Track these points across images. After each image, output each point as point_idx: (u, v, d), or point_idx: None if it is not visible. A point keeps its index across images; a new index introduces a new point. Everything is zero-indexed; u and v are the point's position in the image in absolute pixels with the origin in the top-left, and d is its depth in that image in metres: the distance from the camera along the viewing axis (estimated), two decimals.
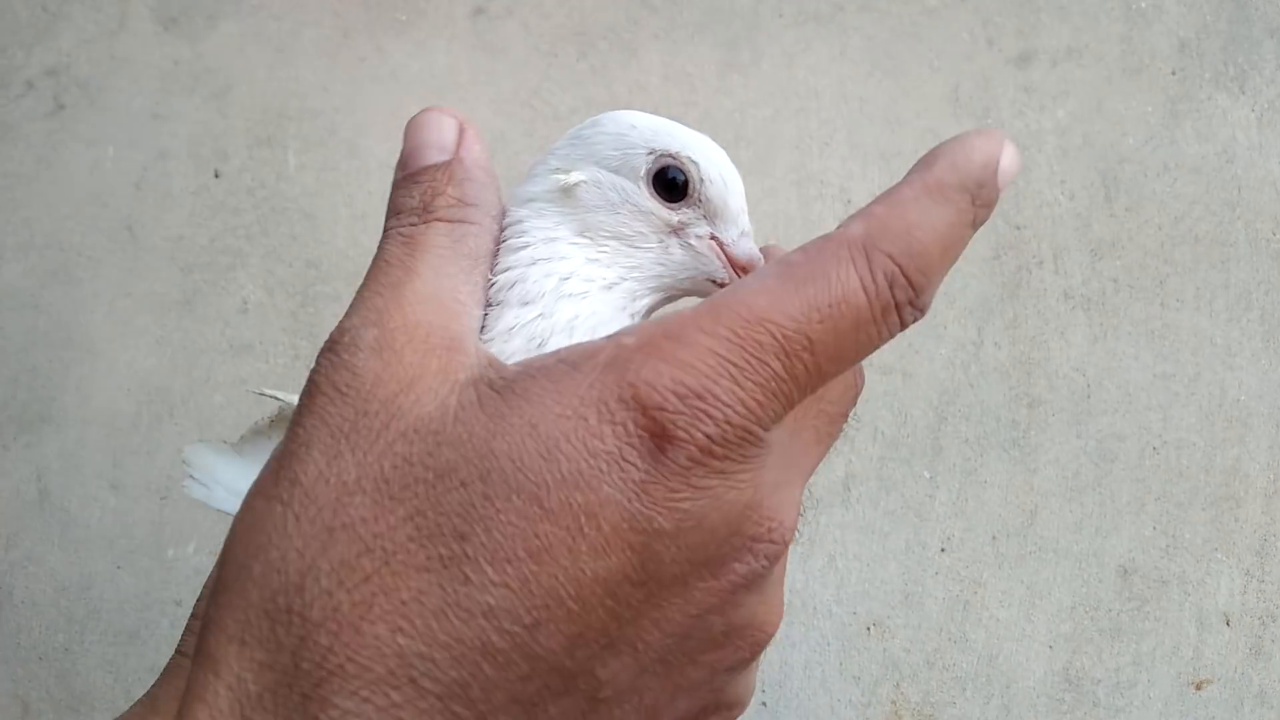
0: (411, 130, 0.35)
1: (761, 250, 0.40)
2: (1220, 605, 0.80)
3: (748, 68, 0.83)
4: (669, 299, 0.40)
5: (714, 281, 0.39)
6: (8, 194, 0.85)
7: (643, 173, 0.38)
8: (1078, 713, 0.79)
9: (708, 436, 0.26)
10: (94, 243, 0.85)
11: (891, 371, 0.81)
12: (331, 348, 0.30)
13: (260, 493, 0.28)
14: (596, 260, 0.38)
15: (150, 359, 0.84)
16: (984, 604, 0.80)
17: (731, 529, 0.27)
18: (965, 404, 0.81)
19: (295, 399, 0.63)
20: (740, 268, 0.38)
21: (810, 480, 0.35)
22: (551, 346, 0.35)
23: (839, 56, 0.83)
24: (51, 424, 0.83)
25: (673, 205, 0.38)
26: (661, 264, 0.38)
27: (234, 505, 0.62)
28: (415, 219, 0.33)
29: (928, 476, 0.81)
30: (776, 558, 0.28)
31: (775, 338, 0.27)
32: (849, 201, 0.82)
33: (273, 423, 0.69)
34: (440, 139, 0.34)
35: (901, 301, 0.28)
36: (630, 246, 0.38)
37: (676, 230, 0.39)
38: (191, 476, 0.64)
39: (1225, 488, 0.80)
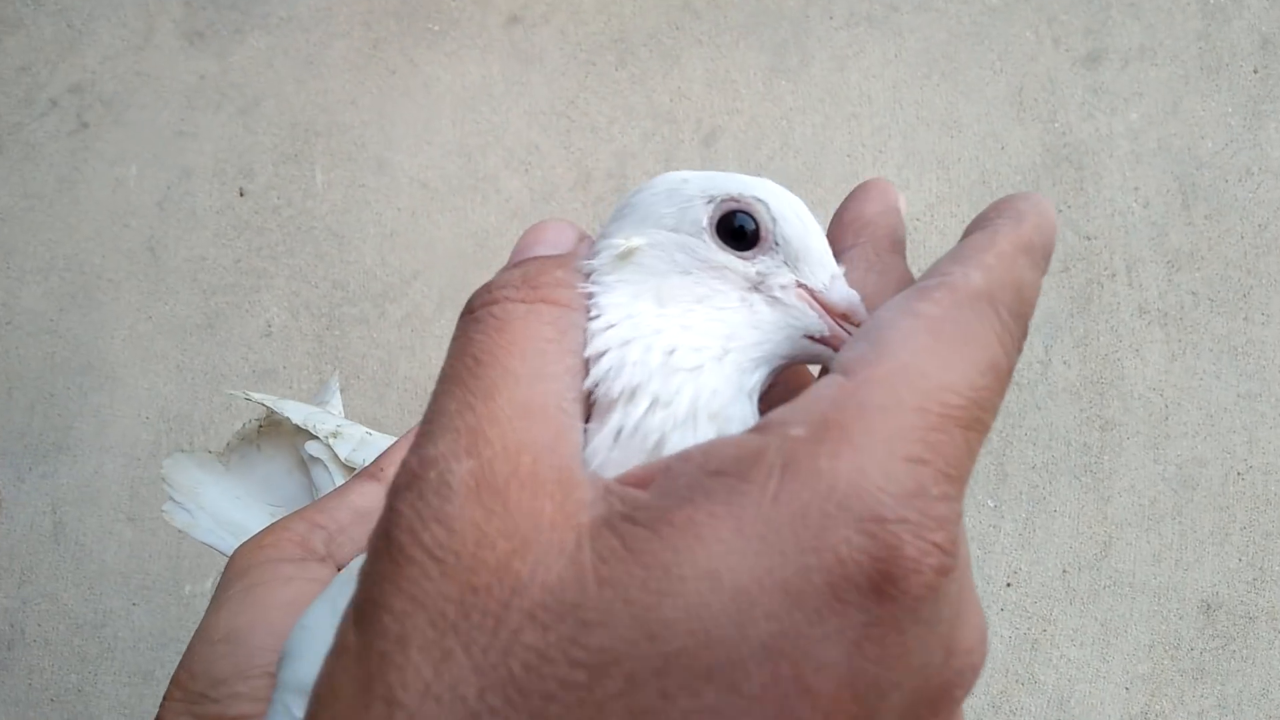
0: (525, 235, 0.30)
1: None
2: None
3: (796, 72, 0.78)
4: (774, 370, 0.34)
5: (812, 338, 0.33)
6: (29, 216, 0.82)
7: (705, 223, 0.33)
8: None
9: (939, 547, 0.20)
10: (115, 264, 0.82)
11: None
12: (412, 486, 0.22)
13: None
14: (690, 328, 0.32)
15: (170, 385, 0.80)
16: (1054, 643, 0.74)
17: (948, 653, 0.21)
18: (1032, 427, 0.75)
19: (285, 404, 0.59)
20: (840, 315, 0.32)
21: None
22: (672, 446, 0.29)
23: (893, 59, 0.78)
24: (68, 453, 0.80)
25: (746, 255, 0.33)
26: (755, 327, 0.32)
27: (220, 540, 0.56)
28: (514, 292, 0.27)
29: (992, 505, 0.75)
30: (979, 672, 0.23)
31: (958, 411, 0.22)
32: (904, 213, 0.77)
33: (261, 429, 0.64)
34: (557, 239, 0.30)
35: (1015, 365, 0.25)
36: (716, 309, 0.33)
37: (757, 285, 0.33)
38: (172, 498, 0.58)
39: None
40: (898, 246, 0.30)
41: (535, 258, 0.29)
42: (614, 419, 0.29)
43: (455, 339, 0.26)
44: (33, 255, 0.84)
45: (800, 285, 0.32)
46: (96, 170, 0.84)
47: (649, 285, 0.33)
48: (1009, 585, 0.76)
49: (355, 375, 0.80)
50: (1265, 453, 0.75)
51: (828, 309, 0.32)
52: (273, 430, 0.63)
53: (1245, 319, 0.76)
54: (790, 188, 0.70)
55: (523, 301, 0.27)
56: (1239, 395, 0.76)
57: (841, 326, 0.32)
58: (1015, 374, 0.78)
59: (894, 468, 0.20)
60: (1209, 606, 0.75)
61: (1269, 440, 0.75)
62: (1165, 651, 0.75)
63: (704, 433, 0.30)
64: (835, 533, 0.20)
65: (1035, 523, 0.76)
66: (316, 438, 0.57)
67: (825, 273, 0.33)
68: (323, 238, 0.82)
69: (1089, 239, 0.77)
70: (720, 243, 0.32)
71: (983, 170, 0.78)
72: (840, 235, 0.31)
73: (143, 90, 0.84)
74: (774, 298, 0.32)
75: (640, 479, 0.23)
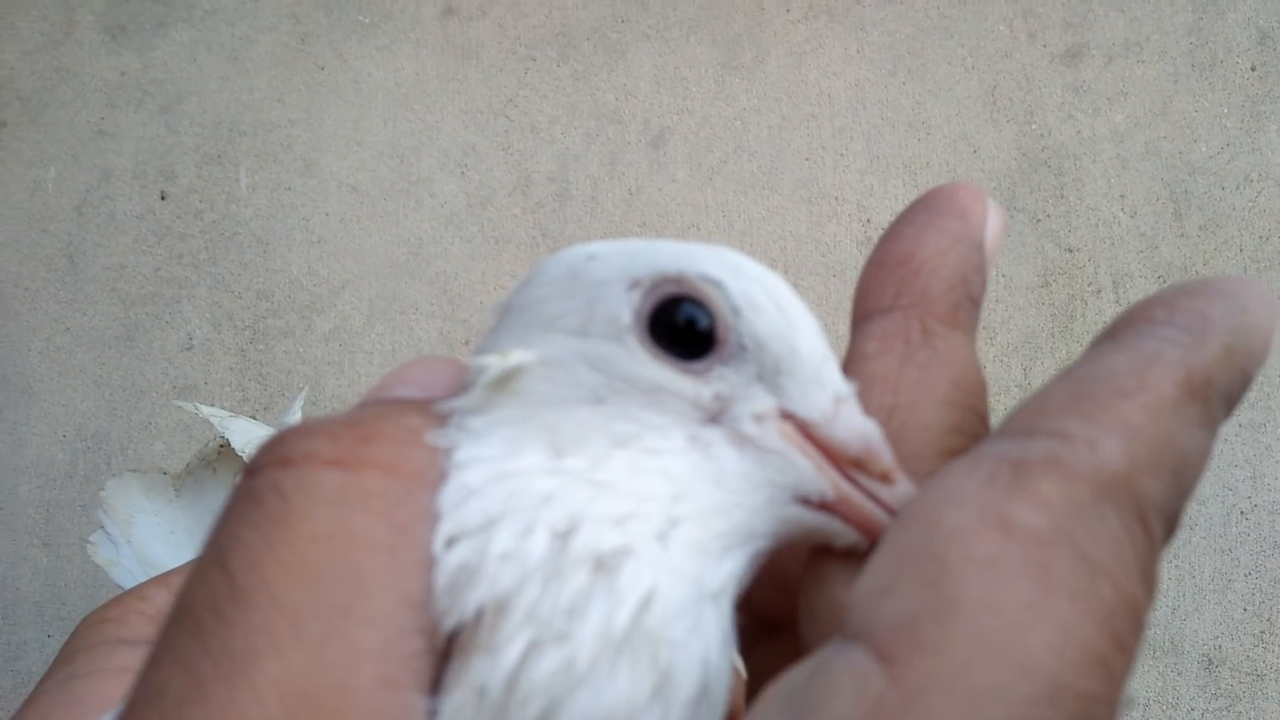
0: (385, 376, 0.21)
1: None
2: None
3: (751, 69, 0.71)
4: (754, 557, 0.21)
5: (808, 502, 0.20)
6: None
7: (629, 319, 0.20)
8: None
9: None
10: (32, 272, 0.76)
11: None
12: None
13: None
14: (607, 488, 0.20)
15: (88, 401, 0.74)
16: None
17: None
18: None
19: (233, 422, 0.53)
20: (852, 463, 0.20)
21: None
22: (574, 714, 0.18)
23: (855, 55, 0.71)
24: None
25: (696, 367, 0.20)
26: (716, 484, 0.20)
27: (135, 580, 0.50)
28: (327, 448, 0.17)
29: None
30: None
31: (1092, 697, 0.14)
32: (868, 221, 0.70)
33: (220, 453, 0.58)
34: (430, 380, 0.20)
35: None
36: (650, 455, 0.20)
37: (715, 415, 0.20)
38: (103, 527, 0.52)
39: None
40: (961, 314, 0.19)
41: (380, 399, 0.19)
42: (471, 671, 0.17)
43: (214, 528, 0.16)
44: None
45: (785, 415, 0.20)
46: (14, 172, 0.79)
47: (538, 424, 0.20)
48: None
49: (280, 393, 0.74)
50: (1271, 489, 0.68)
51: (831, 452, 0.20)
52: (230, 460, 0.58)
53: None
54: (745, 193, 0.61)
55: (339, 466, 0.16)
56: (1240, 425, 0.68)
57: (853, 482, 0.20)
58: (992, 401, 0.71)
59: None
60: (1211, 662, 0.68)
61: (1275, 475, 0.68)
62: (1162, 712, 0.68)
63: (636, 683, 0.18)
64: None
65: None
66: None
67: (824, 394, 0.20)
68: (247, 244, 0.76)
69: (1071, 251, 0.70)
70: (654, 348, 0.20)
71: (953, 175, 0.71)
72: (876, 287, 0.20)
73: (62, 87, 0.79)
74: (742, 434, 0.20)
75: None
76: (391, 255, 0.75)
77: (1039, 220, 0.70)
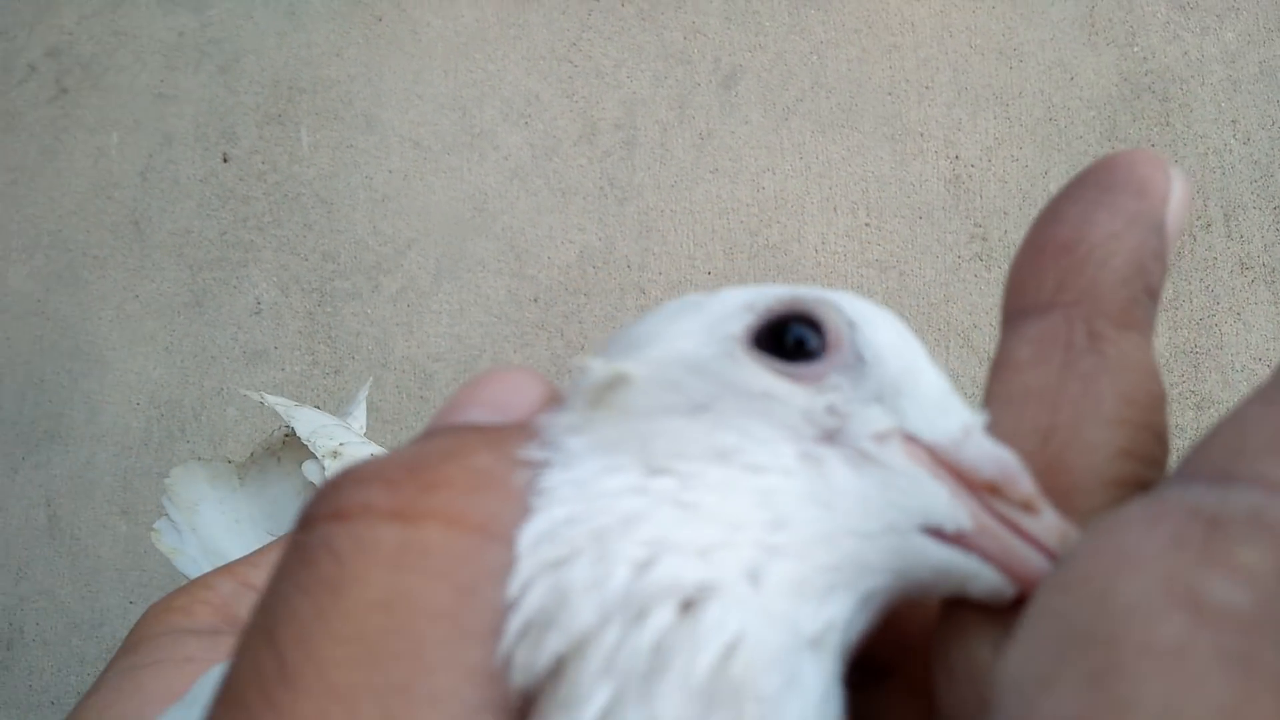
0: (458, 392, 0.18)
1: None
2: None
3: (827, 0, 0.67)
4: (871, 600, 0.18)
5: (939, 533, 0.17)
6: (12, 189, 0.77)
7: (740, 332, 0.18)
8: None
9: None
10: (99, 240, 0.76)
11: None
12: None
13: None
14: (696, 510, 0.17)
15: (159, 369, 0.74)
16: None
17: None
18: None
19: (298, 412, 0.52)
20: (985, 488, 0.17)
21: None
22: None
23: None
24: (60, 442, 0.75)
25: (808, 370, 0.18)
26: (826, 506, 0.17)
27: (200, 569, 0.49)
28: (384, 498, 0.16)
29: None
30: None
31: None
32: (956, 157, 0.66)
33: (286, 440, 0.57)
34: (508, 399, 0.18)
35: None
36: (752, 473, 0.17)
37: (831, 433, 0.18)
38: (167, 514, 0.51)
39: None
40: (1136, 312, 0.16)
41: (449, 428, 0.17)
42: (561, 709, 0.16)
43: (265, 589, 0.15)
44: (18, 233, 0.79)
45: (909, 439, 0.17)
46: (77, 139, 0.78)
47: (634, 439, 0.18)
48: None
49: (350, 355, 0.73)
50: None
51: (963, 474, 0.17)
52: (295, 449, 0.57)
53: None
54: (823, 132, 0.58)
55: (398, 520, 0.15)
56: None
57: (994, 514, 0.17)
58: None
59: None
60: None
61: None
62: None
63: None
64: None
65: None
66: (315, 457, 0.51)
67: (951, 420, 0.18)
68: (311, 205, 0.74)
69: None
70: (760, 354, 0.18)
71: (1049, 106, 0.66)
72: (1033, 280, 0.17)
73: (120, 51, 0.78)
74: (862, 451, 0.17)
75: None
76: (457, 212, 0.73)
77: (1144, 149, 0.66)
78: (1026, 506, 0.16)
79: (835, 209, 0.68)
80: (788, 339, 0.18)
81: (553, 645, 0.15)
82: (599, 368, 0.18)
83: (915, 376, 0.18)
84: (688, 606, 0.16)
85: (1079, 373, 0.15)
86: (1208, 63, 0.66)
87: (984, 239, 0.66)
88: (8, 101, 0.81)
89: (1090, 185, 0.16)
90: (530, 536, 0.16)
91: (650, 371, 0.18)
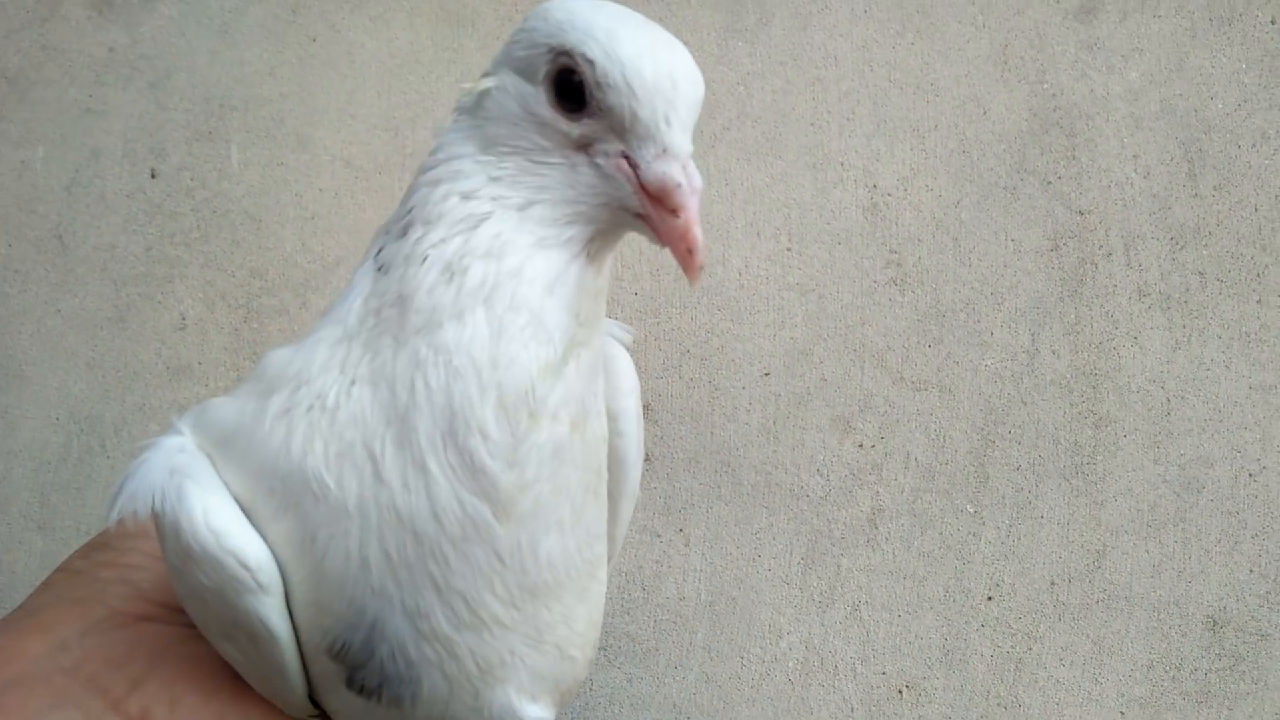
0: None
1: None
2: None
3: (754, 32, 0.70)
4: (606, 232, 0.34)
5: (628, 210, 0.33)
6: None
7: (542, 76, 0.33)
8: None
9: None
10: (22, 254, 0.75)
11: (927, 387, 0.68)
12: None
13: None
14: (499, 179, 0.33)
15: (80, 384, 0.74)
16: (1040, 662, 0.67)
17: None
18: (1016, 424, 0.68)
19: None
20: (652, 195, 0.32)
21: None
22: (474, 276, 0.33)
23: (862, 15, 0.70)
24: None
25: (574, 116, 0.32)
26: (571, 186, 0.33)
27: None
28: None
29: (971, 511, 0.67)
30: None
31: None
32: (874, 186, 0.69)
33: None
34: None
35: None
36: (533, 163, 0.33)
37: (584, 147, 0.33)
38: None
39: None
40: None
41: None
42: (410, 239, 0.34)
43: None
44: None
45: (625, 156, 0.32)
46: (2, 153, 0.78)
47: (483, 130, 0.34)
48: (990, 599, 0.68)
49: None
50: None
51: (642, 186, 0.31)
52: None
53: (1259, 301, 0.68)
54: (748, 160, 0.62)
55: None
56: (1251, 387, 0.67)
57: (657, 208, 0.31)
58: (997, 365, 0.70)
59: None
60: (1215, 623, 0.67)
61: None
62: (1166, 672, 0.67)
63: (475, 272, 0.32)
64: None
65: (1020, 530, 0.68)
66: None
67: (654, 148, 0.31)
68: (239, 222, 0.75)
69: (1082, 214, 0.69)
70: (552, 98, 0.32)
71: (962, 138, 0.70)
72: None
73: (49, 65, 0.78)
74: (596, 164, 0.32)
75: None
76: None
77: (1049, 183, 0.69)
78: (672, 211, 0.31)
79: (759, 234, 0.71)
80: (570, 80, 0.32)
81: (419, 217, 0.34)
82: (477, 85, 0.34)
83: (634, 118, 0.31)
84: (480, 219, 0.32)
85: None
86: (1112, 100, 0.70)
87: (898, 265, 0.69)
88: None
89: None
90: (422, 189, 0.34)
91: (499, 88, 0.33)
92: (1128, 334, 0.69)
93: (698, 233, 0.31)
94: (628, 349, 0.46)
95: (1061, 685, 0.68)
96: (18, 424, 0.76)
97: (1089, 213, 0.69)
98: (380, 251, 0.35)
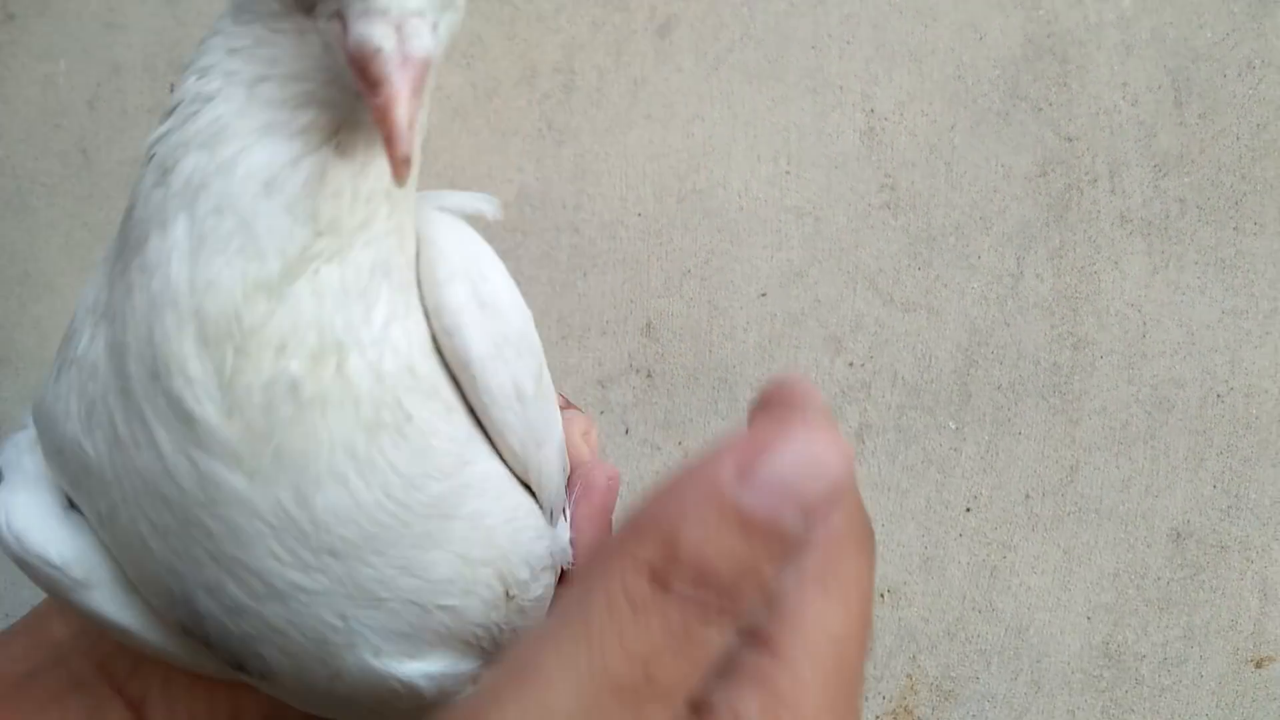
0: (785, 445, 0.22)
1: None
2: None
3: None
4: (355, 120, 0.29)
5: (351, 89, 0.28)
6: None
7: None
8: (1118, 691, 0.70)
9: None
10: (48, 168, 0.78)
11: (915, 308, 0.71)
12: None
13: None
14: (236, 50, 0.29)
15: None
16: (1014, 570, 0.72)
17: None
18: (999, 345, 0.71)
19: None
20: (352, 62, 0.26)
21: None
22: (182, 172, 0.28)
23: None
24: (9, 366, 0.79)
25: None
26: (299, 60, 0.29)
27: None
28: (715, 604, 0.22)
29: (953, 427, 0.71)
30: None
31: (857, 671, 0.26)
32: (871, 111, 0.71)
33: None
34: (805, 490, 0.22)
35: None
36: (270, 31, 0.29)
37: (309, 8, 0.28)
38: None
39: None
40: None
41: (764, 535, 0.22)
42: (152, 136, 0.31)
43: (605, 610, 0.22)
44: None
45: (338, 15, 0.27)
46: (25, 65, 0.80)
47: (232, 6, 0.30)
48: (968, 510, 0.73)
49: None
50: (1248, 373, 0.71)
51: (352, 58, 0.26)
52: None
53: (1235, 229, 0.71)
54: (749, 82, 0.65)
55: (701, 619, 0.23)
56: (1224, 311, 0.71)
57: (357, 76, 0.26)
58: (983, 288, 0.73)
59: None
60: (1179, 534, 0.72)
61: (1253, 360, 0.71)
62: (1130, 580, 0.72)
63: (184, 167, 0.28)
64: None
65: (999, 446, 0.72)
66: None
67: (359, 3, 0.26)
68: None
69: (1070, 140, 0.71)
70: None
71: (959, 64, 0.72)
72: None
73: None
74: (319, 29, 0.28)
75: None
76: None
77: (1040, 109, 0.71)
78: (372, 86, 0.25)
79: (759, 157, 0.73)
80: None
81: (174, 104, 0.31)
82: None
83: None
84: (205, 100, 0.29)
85: None
86: (1105, 27, 0.72)
87: (892, 189, 0.72)
88: None
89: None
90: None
91: None
92: (1109, 259, 0.72)
93: (399, 114, 0.25)
94: (491, 218, 0.40)
95: (1033, 591, 0.73)
96: (49, 334, 0.80)
97: (1077, 139, 0.72)
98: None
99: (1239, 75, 0.70)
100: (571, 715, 0.20)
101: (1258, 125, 0.70)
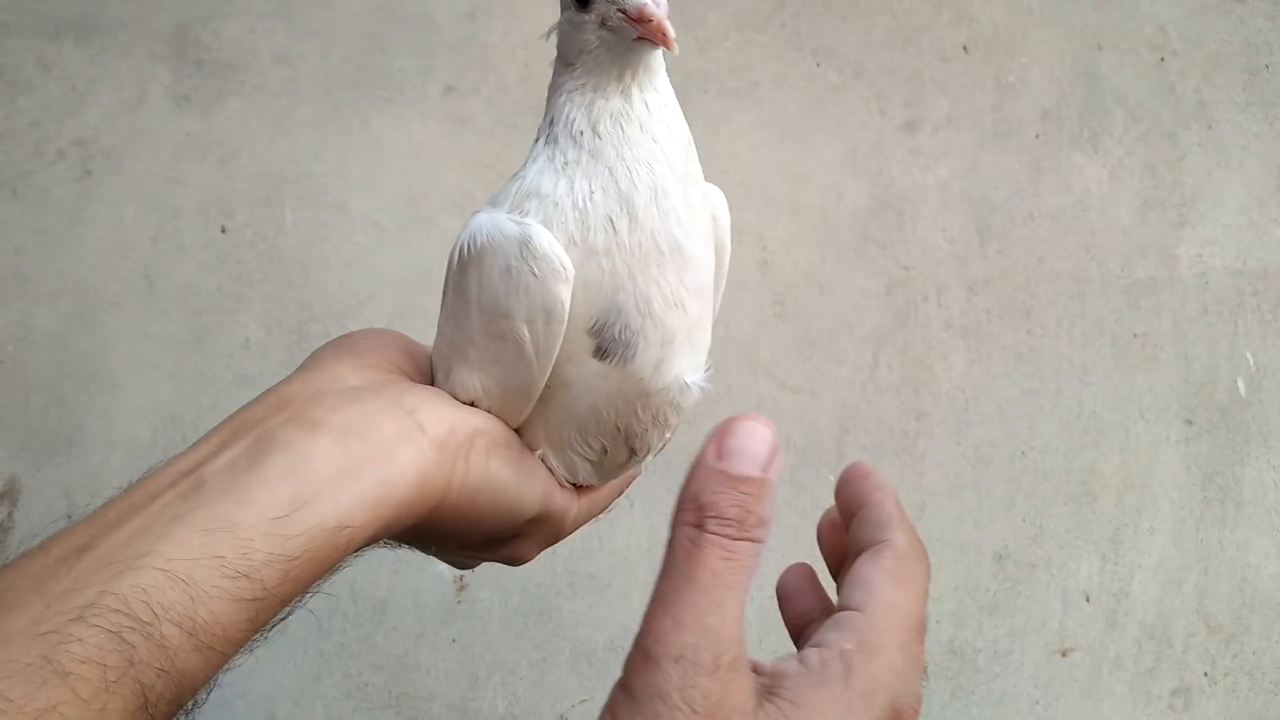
0: (736, 433, 0.39)
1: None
2: (1081, 585, 0.95)
3: None
4: (618, 78, 0.48)
5: (629, 39, 0.47)
6: (41, 248, 0.99)
7: (569, 2, 0.49)
8: (962, 678, 0.94)
9: (916, 710, 0.38)
10: (116, 290, 0.99)
11: (801, 391, 0.96)
12: (679, 662, 0.35)
13: None
14: (573, 66, 0.49)
15: (164, 390, 0.98)
16: None
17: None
18: (864, 417, 0.96)
19: None
20: (634, 19, 0.46)
21: None
22: (605, 123, 0.48)
23: (755, 125, 0.98)
24: (79, 447, 0.97)
25: (587, 10, 0.48)
26: (606, 49, 0.48)
27: None
28: (734, 531, 0.37)
29: (832, 479, 0.95)
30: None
31: (919, 632, 0.39)
32: (764, 247, 0.97)
33: None
34: (756, 454, 0.38)
35: None
36: (587, 54, 0.48)
37: (603, 24, 0.47)
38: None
39: (1083, 485, 0.96)
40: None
41: (744, 485, 0.37)
42: (558, 127, 0.49)
43: (696, 553, 0.36)
44: (45, 281, 1.01)
45: (620, 11, 0.47)
46: (99, 211, 1.01)
47: (562, 58, 0.50)
48: None
49: None
50: (1043, 436, 0.97)
51: (630, 19, 0.46)
52: None
53: (1028, 332, 0.98)
54: None
55: (742, 539, 0.37)
56: (1022, 391, 0.97)
57: (640, 28, 0.46)
58: (850, 376, 0.98)
59: (909, 686, 0.37)
60: (1000, 556, 0.96)
61: (1046, 426, 0.97)
62: (967, 592, 0.96)
63: (605, 121, 0.48)
64: (878, 701, 0.36)
65: None
66: None
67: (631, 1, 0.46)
68: (292, 268, 1.00)
69: (907, 269, 0.98)
70: (575, 7, 0.48)
71: (825, 214, 0.98)
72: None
73: (137, 144, 1.02)
74: (610, 28, 0.47)
75: (774, 671, 0.37)
76: (406, 275, 1.00)
77: (885, 247, 0.99)
78: (645, 21, 0.46)
79: None
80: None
81: (559, 119, 0.50)
82: (547, 32, 0.52)
83: None
84: (586, 100, 0.50)
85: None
86: (928, 189, 1.00)
87: (781, 303, 0.98)
88: (39, 179, 1.03)
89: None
90: (552, 105, 0.51)
91: (558, 24, 0.51)
92: (939, 354, 0.98)
93: (663, 17, 0.45)
94: None
95: None
96: (114, 422, 0.99)
97: (912, 268, 0.99)
98: (541, 140, 0.50)
99: (1023, 222, 0.99)
100: (708, 611, 0.35)
101: (1038, 258, 0.99)
